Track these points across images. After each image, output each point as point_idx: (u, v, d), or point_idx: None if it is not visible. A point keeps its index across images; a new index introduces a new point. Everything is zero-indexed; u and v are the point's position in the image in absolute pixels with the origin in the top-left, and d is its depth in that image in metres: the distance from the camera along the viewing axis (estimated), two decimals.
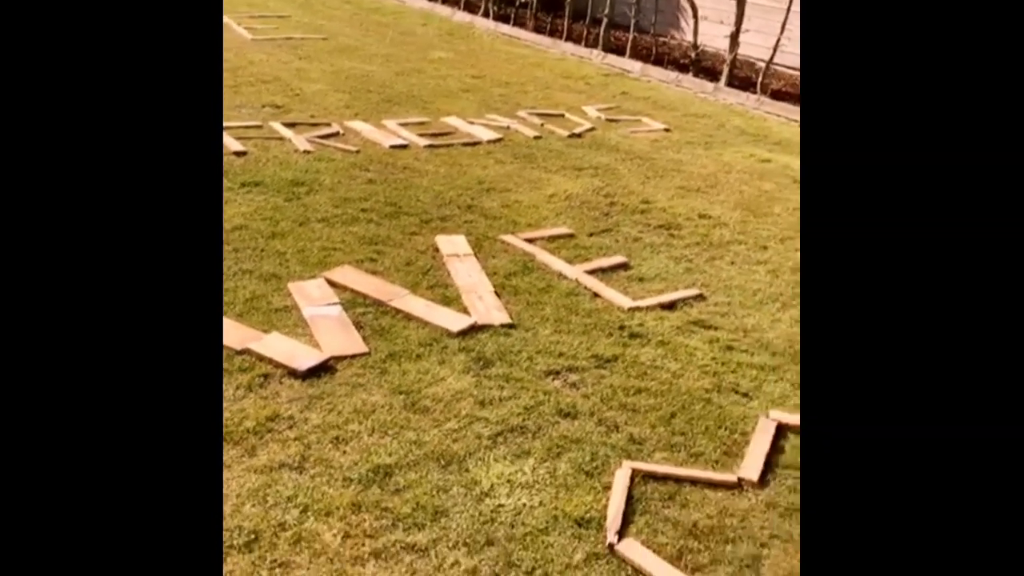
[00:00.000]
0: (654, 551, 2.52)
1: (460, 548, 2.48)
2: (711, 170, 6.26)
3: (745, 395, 3.40)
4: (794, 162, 6.63)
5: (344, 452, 2.83)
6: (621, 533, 2.57)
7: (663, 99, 8.37)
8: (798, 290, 4.44)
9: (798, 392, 3.47)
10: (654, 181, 5.90)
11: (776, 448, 3.07)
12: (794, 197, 5.83)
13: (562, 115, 7.36)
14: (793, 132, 7.60)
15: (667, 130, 7.24)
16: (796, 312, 4.17)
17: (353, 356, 3.39)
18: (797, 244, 5.02)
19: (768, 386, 3.48)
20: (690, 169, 6.23)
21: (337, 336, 3.51)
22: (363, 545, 2.45)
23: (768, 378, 3.54)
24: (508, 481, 2.77)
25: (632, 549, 2.51)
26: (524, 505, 2.67)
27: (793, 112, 8.11)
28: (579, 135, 6.85)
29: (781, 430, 3.17)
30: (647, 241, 4.87)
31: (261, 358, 3.29)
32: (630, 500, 2.73)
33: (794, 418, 3.24)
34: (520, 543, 2.52)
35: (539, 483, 2.78)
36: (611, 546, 2.51)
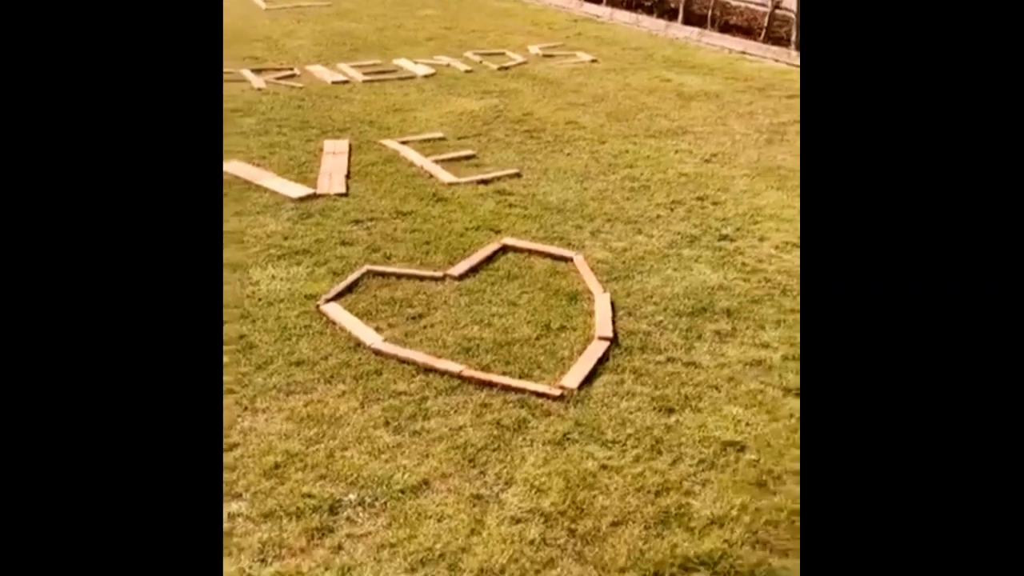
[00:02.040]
0: (349, 311, 3.63)
1: None
2: (608, 90, 7.18)
3: (497, 231, 4.44)
4: (690, 80, 7.47)
5: None
6: (331, 301, 3.69)
7: (611, 37, 9.26)
8: (604, 168, 5.39)
9: (539, 228, 4.47)
10: (547, 100, 6.89)
11: (492, 259, 4.12)
12: (663, 106, 6.72)
13: (503, 53, 8.40)
14: (716, 59, 8.39)
15: (594, 61, 8.17)
16: (589, 183, 5.14)
17: None
18: (633, 140, 5.95)
19: (520, 225, 4.51)
20: (588, 90, 7.17)
21: None
22: None
23: (523, 222, 4.57)
24: (273, 277, 3.95)
25: (332, 309, 3.64)
26: (276, 289, 3.84)
27: (730, 42, 8.87)
28: (508, 68, 7.89)
29: (504, 249, 4.21)
30: (505, 141, 5.90)
31: None
32: (354, 286, 3.85)
33: (521, 242, 4.27)
34: (259, 307, 3.69)
35: (295, 279, 3.93)
36: (317, 307, 3.64)
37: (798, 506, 2.59)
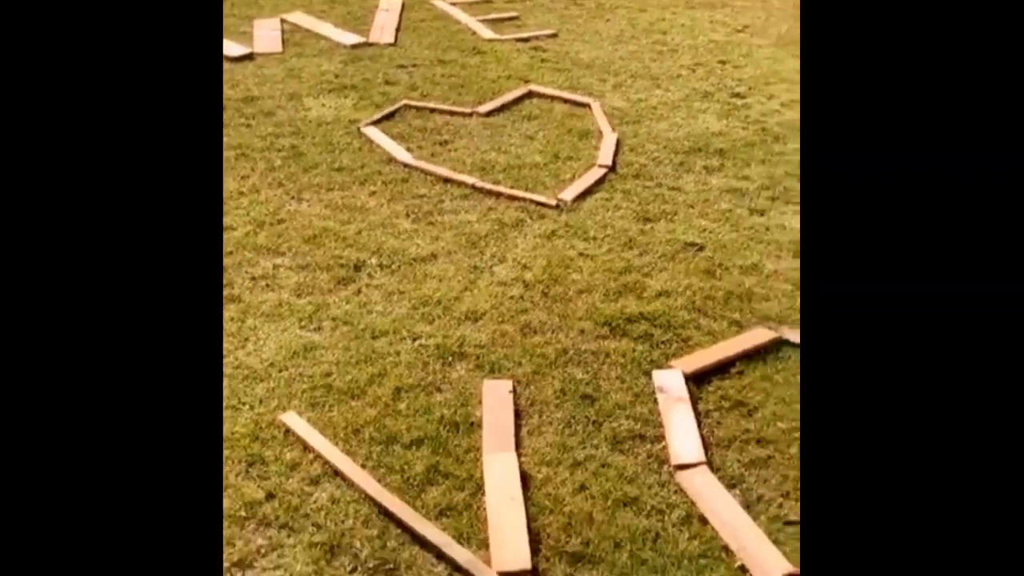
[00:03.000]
0: (385, 134, 4.29)
1: (272, 128, 4.37)
2: None
3: (527, 81, 5.02)
4: None
5: (233, 90, 4.78)
6: (371, 125, 4.36)
7: None
8: (638, 33, 5.87)
9: (566, 80, 5.02)
10: None
11: (518, 102, 4.72)
12: None
13: None
14: None
15: None
16: (620, 46, 5.66)
17: (270, 54, 5.30)
18: (672, 10, 6.39)
19: (548, 77, 5.08)
20: None
21: (266, 44, 5.44)
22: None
23: (552, 74, 5.15)
24: (323, 105, 4.64)
25: (371, 131, 4.36)
26: (325, 115, 4.54)
27: None
28: None
29: (530, 94, 4.80)
30: (549, 6, 6.41)
31: None
32: (393, 116, 4.51)
33: (546, 89, 4.85)
34: (309, 127, 4.41)
35: (341, 108, 4.62)
36: (359, 129, 4.33)
37: (735, 289, 3.23)
